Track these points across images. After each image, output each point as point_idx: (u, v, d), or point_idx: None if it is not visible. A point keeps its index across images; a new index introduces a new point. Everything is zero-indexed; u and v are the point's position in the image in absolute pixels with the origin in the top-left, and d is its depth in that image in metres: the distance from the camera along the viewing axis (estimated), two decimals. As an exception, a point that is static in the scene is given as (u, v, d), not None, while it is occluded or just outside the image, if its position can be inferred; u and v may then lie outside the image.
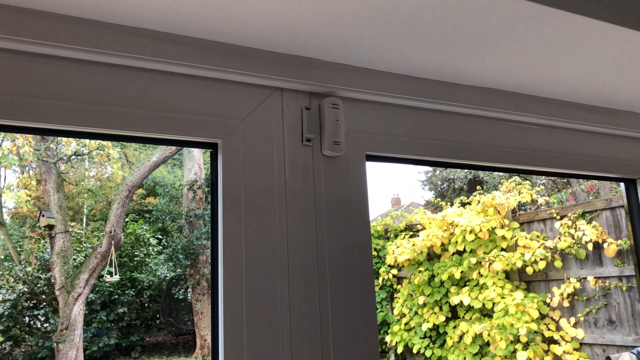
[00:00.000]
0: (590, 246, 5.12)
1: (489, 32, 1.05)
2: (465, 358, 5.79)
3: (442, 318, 6.20)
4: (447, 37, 1.07)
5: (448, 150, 1.29)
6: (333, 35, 1.03)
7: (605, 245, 5.00)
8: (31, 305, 9.71)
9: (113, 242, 8.02)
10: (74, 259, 9.41)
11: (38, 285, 9.65)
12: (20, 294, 9.43)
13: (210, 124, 1.01)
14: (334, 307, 1.05)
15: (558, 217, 5.53)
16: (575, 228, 5.28)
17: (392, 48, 1.10)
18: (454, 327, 6.07)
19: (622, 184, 1.67)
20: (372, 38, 1.05)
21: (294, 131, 1.10)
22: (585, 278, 5.20)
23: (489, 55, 1.16)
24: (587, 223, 5.23)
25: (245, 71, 1.03)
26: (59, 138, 8.74)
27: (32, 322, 9.74)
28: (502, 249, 5.85)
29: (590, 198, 9.22)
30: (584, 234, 5.12)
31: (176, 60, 0.98)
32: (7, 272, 10.17)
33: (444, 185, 18.29)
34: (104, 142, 9.17)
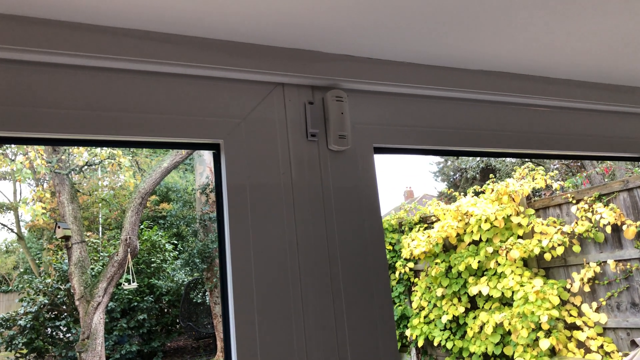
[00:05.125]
0: (608, 229, 5.03)
1: (494, 12, 1.01)
2: (487, 348, 5.73)
3: (462, 309, 6.15)
4: (451, 21, 1.03)
5: (458, 138, 1.25)
6: (332, 25, 1.00)
7: (624, 227, 4.91)
8: (52, 316, 9.81)
9: (129, 249, 8.06)
10: (92, 269, 9.49)
11: (58, 296, 9.74)
12: (42, 306, 9.53)
13: (212, 124, 0.98)
14: (349, 304, 1.02)
15: (574, 202, 5.45)
16: (593, 211, 5.20)
17: (394, 35, 1.07)
18: (474, 318, 6.01)
19: (640, 163, 1.62)
20: (373, 26, 1.02)
21: (298, 127, 1.07)
22: (605, 262, 5.11)
23: (495, 38, 1.12)
24: (605, 206, 5.14)
25: (244, 68, 1.00)
26: (70, 149, 8.80)
27: (54, 333, 9.84)
28: (519, 237, 5.78)
29: (606, 180, 9.09)
30: (601, 217, 5.03)
31: (172, 61, 0.95)
32: (28, 284, 10.29)
33: (457, 176, 18.18)
34: (115, 151, 9.22)
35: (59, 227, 8.27)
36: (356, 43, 1.08)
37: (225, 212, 0.96)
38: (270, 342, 0.94)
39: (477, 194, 6.73)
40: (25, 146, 8.31)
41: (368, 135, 1.14)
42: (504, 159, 15.49)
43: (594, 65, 1.34)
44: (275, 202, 1.00)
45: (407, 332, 6.85)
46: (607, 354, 5.00)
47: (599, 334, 5.12)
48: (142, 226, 11.57)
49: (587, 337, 5.12)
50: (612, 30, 1.14)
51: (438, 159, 18.97)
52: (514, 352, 5.47)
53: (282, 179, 1.02)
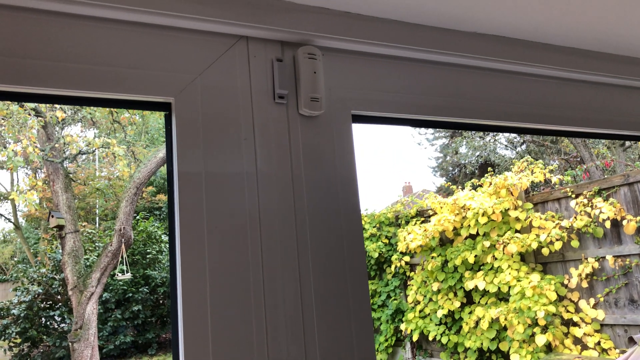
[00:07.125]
0: (607, 224, 4.92)
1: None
2: (482, 344, 5.64)
3: (457, 304, 6.06)
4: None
5: (448, 108, 1.12)
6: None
7: (624, 222, 4.80)
8: (47, 306, 9.78)
9: (123, 240, 7.95)
10: (87, 259, 9.42)
11: (53, 286, 9.70)
12: (36, 295, 9.49)
13: (161, 80, 0.85)
14: (319, 293, 0.89)
15: (573, 196, 5.34)
16: (592, 206, 5.08)
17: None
18: (470, 313, 5.92)
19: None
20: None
21: (264, 87, 0.93)
22: (604, 257, 5.01)
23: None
24: (604, 200, 5.02)
25: (201, 16, 0.87)
26: (63, 138, 8.66)
27: (48, 323, 9.82)
28: (517, 231, 5.67)
29: (606, 175, 8.98)
30: (600, 212, 4.92)
31: (118, 4, 0.82)
32: (22, 274, 10.24)
33: (455, 171, 18.08)
34: (109, 140, 9.08)
35: (52, 216, 8.18)
36: (333, -6, 0.95)
37: (176, 185, 0.83)
38: (224, 336, 0.81)
39: (474, 187, 6.62)
40: (17, 133, 8.19)
41: (345, 101, 1.01)
42: (503, 154, 15.36)
43: (606, 34, 1.21)
44: (235, 174, 0.87)
45: (402, 327, 6.75)
46: (604, 350, 4.90)
47: (596, 331, 5.02)
48: (138, 217, 11.47)
49: (584, 334, 5.02)
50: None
51: (437, 153, 18.85)
52: (509, 348, 5.38)
53: (243, 146, 0.89)
